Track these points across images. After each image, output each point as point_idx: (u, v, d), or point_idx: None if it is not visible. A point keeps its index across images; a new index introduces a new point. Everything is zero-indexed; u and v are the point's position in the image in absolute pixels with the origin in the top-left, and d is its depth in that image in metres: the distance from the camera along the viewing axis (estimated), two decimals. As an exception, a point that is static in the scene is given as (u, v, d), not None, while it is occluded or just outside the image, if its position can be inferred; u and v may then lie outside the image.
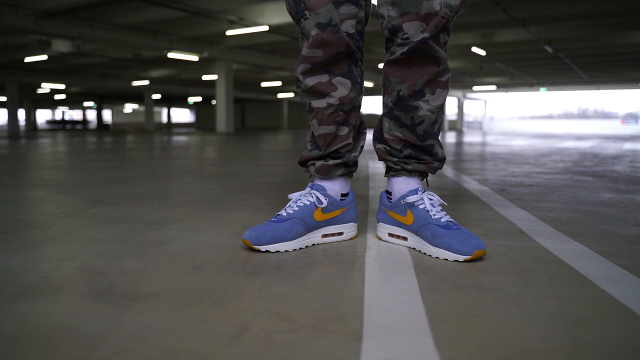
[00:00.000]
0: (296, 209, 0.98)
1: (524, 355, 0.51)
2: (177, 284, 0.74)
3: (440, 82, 0.98)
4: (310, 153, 1.04)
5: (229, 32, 10.21)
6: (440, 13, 0.91)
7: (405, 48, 0.93)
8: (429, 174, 1.05)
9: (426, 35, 0.92)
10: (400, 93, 0.98)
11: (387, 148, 1.04)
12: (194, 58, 13.27)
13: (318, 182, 1.05)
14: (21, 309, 0.64)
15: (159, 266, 0.84)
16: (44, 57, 13.54)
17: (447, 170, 2.73)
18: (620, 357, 0.51)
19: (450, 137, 9.96)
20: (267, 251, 0.94)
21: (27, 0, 8.54)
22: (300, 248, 0.97)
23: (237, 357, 0.51)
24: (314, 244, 1.00)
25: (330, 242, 1.02)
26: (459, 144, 6.67)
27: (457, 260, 0.87)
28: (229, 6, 8.50)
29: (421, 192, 0.98)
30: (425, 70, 0.96)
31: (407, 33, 0.93)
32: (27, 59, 14.03)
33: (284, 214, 0.98)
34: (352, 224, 1.05)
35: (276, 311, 0.64)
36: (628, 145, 5.67)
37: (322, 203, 0.99)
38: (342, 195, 1.06)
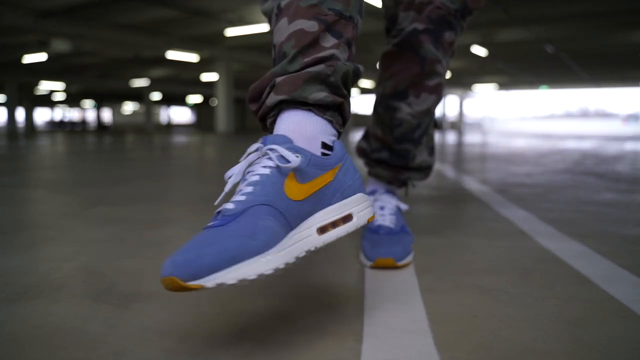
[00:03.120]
0: (250, 189, 0.52)
1: (525, 356, 0.51)
2: (177, 284, 0.74)
3: (428, 86, 0.88)
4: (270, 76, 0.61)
5: (228, 32, 10.20)
6: (436, 2, 0.83)
7: (396, 39, 0.88)
8: (402, 185, 0.98)
9: (418, 26, 0.84)
10: (386, 90, 0.91)
11: (366, 145, 0.99)
12: (194, 58, 13.26)
13: (277, 130, 0.60)
14: (21, 309, 0.64)
15: (159, 266, 0.84)
16: (44, 56, 13.53)
17: (447, 170, 2.73)
18: (620, 358, 0.51)
19: (449, 138, 9.95)
20: (219, 286, 0.45)
21: (27, -1, 8.53)
22: (287, 264, 0.50)
23: (237, 357, 0.51)
24: (309, 251, 0.53)
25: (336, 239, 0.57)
26: (459, 144, 6.67)
27: (365, 265, 0.84)
28: (229, 6, 8.50)
29: (380, 193, 0.95)
30: (409, 70, 0.87)
31: (401, 24, 0.87)
32: (27, 59, 14.02)
33: (231, 206, 0.51)
34: (359, 195, 0.59)
35: (276, 311, 0.64)
36: (629, 146, 5.67)
37: (290, 162, 0.54)
38: (324, 147, 0.60)
